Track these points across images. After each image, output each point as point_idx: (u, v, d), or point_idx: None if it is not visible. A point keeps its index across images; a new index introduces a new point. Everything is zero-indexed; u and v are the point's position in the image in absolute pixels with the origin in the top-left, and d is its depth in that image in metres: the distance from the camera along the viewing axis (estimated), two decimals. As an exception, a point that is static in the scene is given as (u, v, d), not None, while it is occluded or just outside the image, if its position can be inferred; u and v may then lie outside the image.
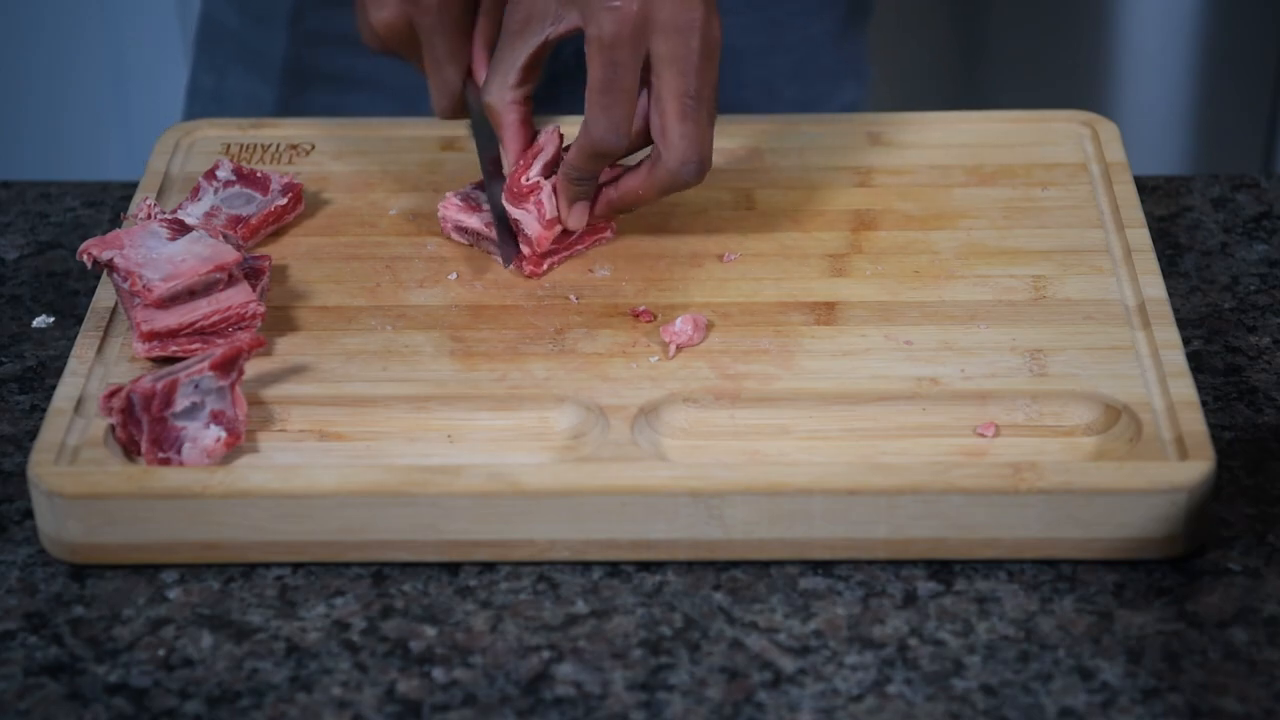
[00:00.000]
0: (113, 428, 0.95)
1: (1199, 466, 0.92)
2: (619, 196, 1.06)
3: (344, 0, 1.30)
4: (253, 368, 1.00)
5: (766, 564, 0.93)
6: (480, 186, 1.11)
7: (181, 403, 0.95)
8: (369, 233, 1.11)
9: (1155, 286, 1.04)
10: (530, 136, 1.07)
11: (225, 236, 1.06)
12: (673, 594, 0.92)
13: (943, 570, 0.93)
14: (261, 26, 1.33)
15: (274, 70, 1.32)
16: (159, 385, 0.94)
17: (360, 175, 1.16)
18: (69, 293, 1.12)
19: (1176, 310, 1.06)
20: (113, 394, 0.94)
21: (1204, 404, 1.00)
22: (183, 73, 1.42)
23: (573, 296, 1.06)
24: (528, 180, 1.05)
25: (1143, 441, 0.95)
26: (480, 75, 1.10)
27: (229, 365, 0.95)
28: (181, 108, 1.41)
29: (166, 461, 0.94)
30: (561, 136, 1.07)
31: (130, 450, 0.95)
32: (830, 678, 0.88)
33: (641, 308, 1.04)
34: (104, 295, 1.05)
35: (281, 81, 1.33)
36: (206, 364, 0.95)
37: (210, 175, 1.11)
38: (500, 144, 1.08)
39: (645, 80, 1.02)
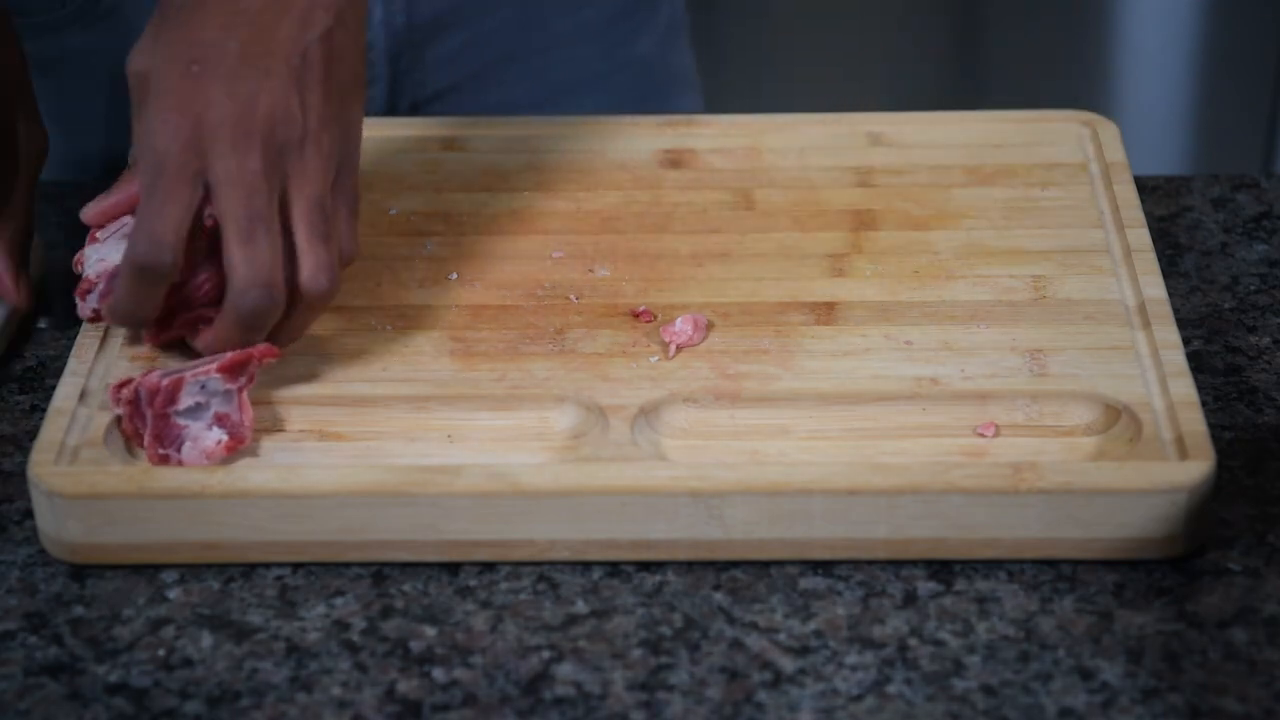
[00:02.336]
0: (119, 419, 0.95)
1: (1199, 466, 0.92)
2: (206, 346, 0.97)
3: None
4: (253, 368, 1.00)
5: (766, 564, 0.93)
6: None
7: (186, 401, 0.95)
8: (369, 233, 1.11)
9: (1155, 286, 1.04)
10: None
11: None
12: (673, 594, 0.92)
13: (943, 570, 0.93)
14: (74, 133, 1.27)
15: (92, 170, 1.29)
16: (164, 382, 0.94)
17: (360, 175, 1.16)
18: (69, 293, 1.12)
19: (1176, 310, 1.06)
20: (123, 385, 0.95)
21: (1204, 404, 1.00)
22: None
23: (573, 296, 1.06)
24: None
25: (1143, 441, 0.95)
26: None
27: (237, 370, 0.95)
28: None
29: (166, 458, 0.94)
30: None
31: (134, 442, 0.95)
32: (830, 678, 0.88)
33: (641, 308, 1.04)
34: (104, 295, 1.05)
35: (102, 178, 1.30)
36: (215, 366, 0.95)
37: None
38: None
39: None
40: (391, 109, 1.31)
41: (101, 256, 0.99)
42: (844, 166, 1.16)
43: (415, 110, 1.31)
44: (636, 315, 1.04)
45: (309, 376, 1.00)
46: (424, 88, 1.30)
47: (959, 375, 0.99)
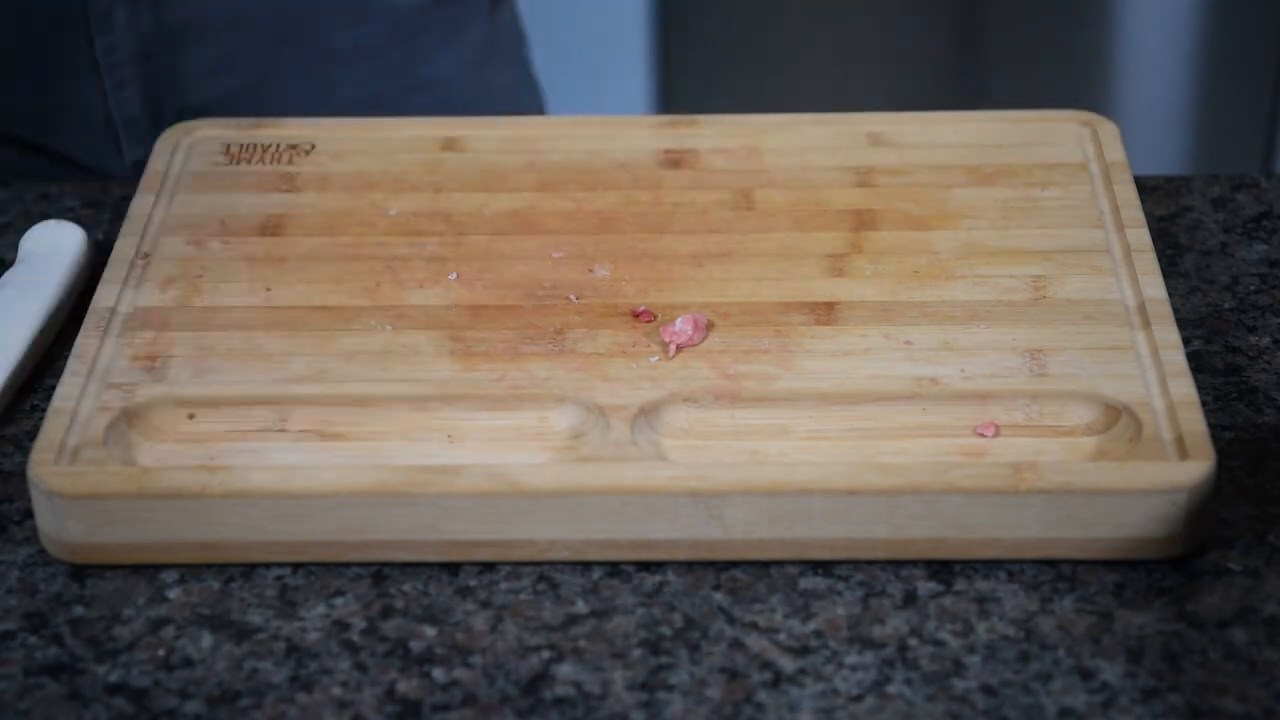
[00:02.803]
0: None
1: (1199, 466, 0.92)
2: None
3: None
4: (253, 368, 1.00)
5: (766, 564, 0.93)
6: None
7: None
8: (369, 233, 1.11)
9: (1155, 286, 1.04)
10: None
11: None
12: (673, 594, 0.92)
13: (943, 570, 0.93)
14: None
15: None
16: None
17: (360, 175, 1.16)
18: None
19: (1176, 310, 1.07)
20: None
21: (1204, 404, 1.00)
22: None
23: (573, 296, 1.06)
24: None
25: (1143, 441, 0.95)
26: None
27: None
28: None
29: None
30: None
31: None
32: (830, 678, 0.88)
33: (641, 308, 1.04)
34: (104, 295, 1.05)
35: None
36: None
37: None
38: None
39: None
40: (156, 117, 1.31)
41: None
42: (844, 166, 1.16)
43: (181, 118, 1.30)
44: (636, 315, 1.04)
45: (309, 376, 1.00)
46: (189, 96, 1.31)
47: (959, 375, 0.99)
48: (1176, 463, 0.93)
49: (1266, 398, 1.03)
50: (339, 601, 0.92)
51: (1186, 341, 1.05)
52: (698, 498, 0.92)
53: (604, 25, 2.32)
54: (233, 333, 1.03)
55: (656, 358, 1.01)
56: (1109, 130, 1.17)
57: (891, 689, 0.87)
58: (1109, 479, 0.92)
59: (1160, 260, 1.10)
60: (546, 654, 0.89)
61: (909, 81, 2.26)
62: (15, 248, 1.14)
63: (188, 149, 1.18)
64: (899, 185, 1.15)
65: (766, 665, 0.88)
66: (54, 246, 1.11)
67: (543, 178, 1.16)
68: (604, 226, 1.12)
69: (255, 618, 0.91)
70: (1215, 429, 1.00)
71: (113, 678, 0.88)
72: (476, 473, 0.93)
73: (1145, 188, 1.19)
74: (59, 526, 0.93)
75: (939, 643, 0.89)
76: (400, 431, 0.97)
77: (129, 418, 0.97)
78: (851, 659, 0.88)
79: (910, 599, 0.91)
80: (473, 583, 0.93)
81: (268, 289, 1.06)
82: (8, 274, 1.09)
